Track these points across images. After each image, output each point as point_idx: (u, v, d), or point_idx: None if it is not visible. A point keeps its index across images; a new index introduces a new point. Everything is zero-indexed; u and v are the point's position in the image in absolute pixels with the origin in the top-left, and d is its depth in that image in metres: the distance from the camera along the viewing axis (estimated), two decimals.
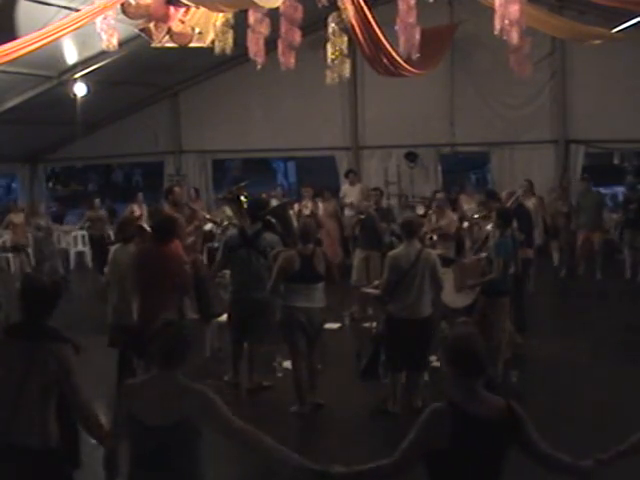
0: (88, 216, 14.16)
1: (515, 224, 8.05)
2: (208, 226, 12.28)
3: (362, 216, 10.08)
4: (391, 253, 6.54)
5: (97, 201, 14.23)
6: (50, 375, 3.42)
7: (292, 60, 8.25)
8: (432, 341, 6.58)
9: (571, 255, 12.68)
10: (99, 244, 13.52)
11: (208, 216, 12.04)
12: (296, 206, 12.44)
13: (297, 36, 8.04)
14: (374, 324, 8.10)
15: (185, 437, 3.12)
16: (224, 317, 7.95)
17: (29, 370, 3.41)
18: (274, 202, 10.39)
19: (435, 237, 9.18)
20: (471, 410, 2.99)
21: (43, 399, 3.45)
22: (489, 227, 7.82)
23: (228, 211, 13.73)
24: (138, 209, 13.35)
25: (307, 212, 12.29)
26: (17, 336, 3.53)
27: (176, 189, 9.16)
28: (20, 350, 3.46)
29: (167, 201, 8.94)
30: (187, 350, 3.25)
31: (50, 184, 20.51)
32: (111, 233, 14.46)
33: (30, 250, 13.94)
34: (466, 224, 9.40)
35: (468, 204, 11.84)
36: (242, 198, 8.94)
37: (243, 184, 9.72)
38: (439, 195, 11.04)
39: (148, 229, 7.08)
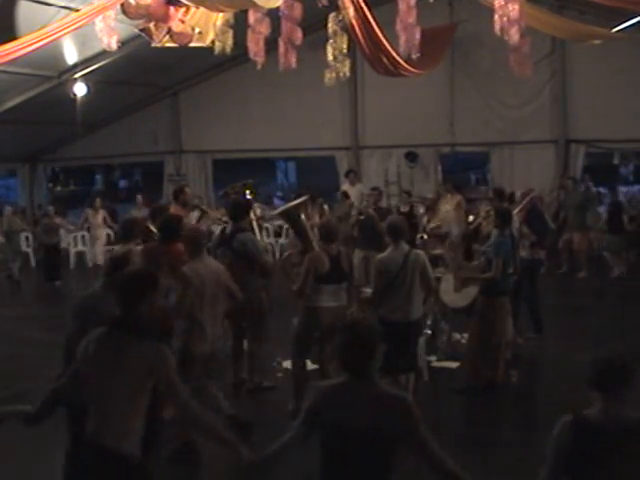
0: (44, 223, 13.79)
1: (516, 225, 8.06)
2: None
3: (362, 217, 10.08)
4: (379, 257, 6.53)
5: (51, 208, 14.00)
6: (141, 375, 3.27)
7: (293, 60, 8.26)
8: (417, 342, 6.59)
9: (556, 255, 12.65)
10: (51, 251, 13.31)
11: (219, 216, 11.94)
12: None
13: (298, 35, 8.04)
14: None
15: (380, 445, 2.98)
16: None
17: (120, 366, 3.27)
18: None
19: (426, 237, 9.12)
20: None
21: (130, 399, 3.29)
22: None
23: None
24: (138, 212, 13.29)
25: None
26: (113, 329, 3.39)
27: (187, 189, 9.05)
28: (114, 345, 3.33)
29: (177, 201, 8.81)
30: (375, 351, 3.10)
31: (50, 184, 20.50)
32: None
33: None
34: (471, 218, 9.38)
35: (450, 205, 11.68)
36: (247, 195, 8.93)
37: (250, 181, 9.68)
38: (431, 196, 10.98)
39: (154, 230, 7.06)
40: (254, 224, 7.97)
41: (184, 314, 5.57)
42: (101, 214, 13.67)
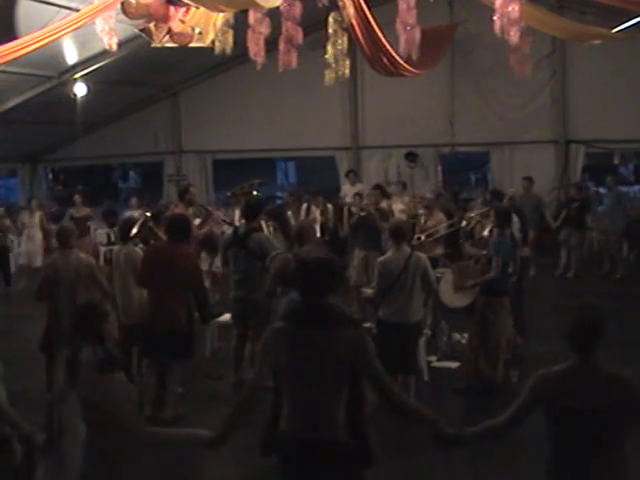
0: None
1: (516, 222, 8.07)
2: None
3: (363, 213, 10.05)
4: (381, 259, 6.53)
5: (2, 209, 13.54)
6: (345, 363, 3.26)
7: (293, 60, 8.25)
8: (417, 344, 6.59)
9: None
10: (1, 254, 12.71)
11: (224, 217, 11.92)
12: (304, 206, 12.37)
13: (299, 35, 8.03)
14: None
15: (610, 423, 3.11)
16: (224, 317, 7.95)
17: (322, 358, 3.25)
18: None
19: (423, 238, 9.08)
20: None
21: (335, 389, 3.29)
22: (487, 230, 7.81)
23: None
24: (77, 212, 13.17)
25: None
26: (304, 322, 3.37)
27: (192, 189, 9.07)
28: (311, 337, 3.30)
29: (182, 201, 8.82)
30: (604, 332, 3.18)
31: (50, 184, 20.45)
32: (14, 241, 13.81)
33: None
34: (464, 223, 9.37)
35: (396, 204, 11.57)
36: (254, 194, 8.97)
37: (257, 181, 9.69)
38: (428, 195, 10.95)
39: (156, 229, 7.09)
40: (263, 223, 7.99)
41: (44, 300, 6.19)
42: (37, 215, 13.51)
